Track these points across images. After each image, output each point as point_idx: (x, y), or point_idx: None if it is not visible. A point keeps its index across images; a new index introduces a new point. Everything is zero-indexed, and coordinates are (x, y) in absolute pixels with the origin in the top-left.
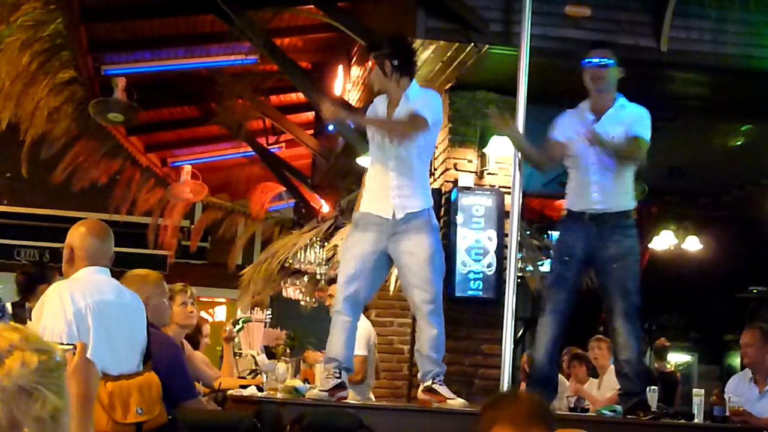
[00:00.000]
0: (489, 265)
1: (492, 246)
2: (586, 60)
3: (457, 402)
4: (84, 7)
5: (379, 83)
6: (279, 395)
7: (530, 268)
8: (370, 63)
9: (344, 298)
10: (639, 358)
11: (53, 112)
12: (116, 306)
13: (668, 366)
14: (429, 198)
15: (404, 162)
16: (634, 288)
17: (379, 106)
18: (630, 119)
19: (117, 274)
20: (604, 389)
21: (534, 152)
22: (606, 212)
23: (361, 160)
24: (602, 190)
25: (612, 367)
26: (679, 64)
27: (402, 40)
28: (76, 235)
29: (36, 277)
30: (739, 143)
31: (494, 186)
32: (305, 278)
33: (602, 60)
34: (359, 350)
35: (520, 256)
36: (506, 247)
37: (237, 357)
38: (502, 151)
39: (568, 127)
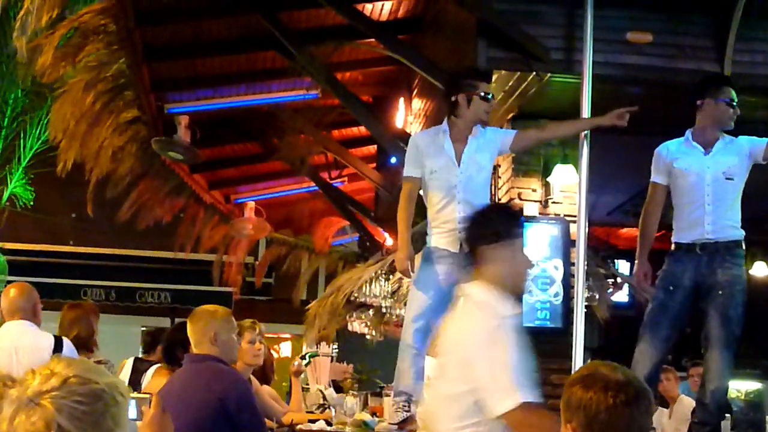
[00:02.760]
0: (556, 295)
1: (558, 275)
2: (729, 99)
3: None
4: (146, 47)
5: (480, 117)
6: (348, 429)
7: (597, 297)
8: (473, 95)
9: (415, 330)
10: (725, 390)
11: (117, 152)
12: (14, 349)
13: None
14: None
15: (471, 197)
16: (736, 317)
17: (441, 141)
18: (744, 145)
19: (183, 312)
20: (675, 419)
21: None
22: (718, 241)
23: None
24: (715, 221)
25: (682, 396)
26: (743, 88)
27: None
28: (1, 298)
29: (157, 337)
30: None
31: (559, 215)
32: (371, 312)
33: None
34: None
35: (586, 285)
36: (573, 276)
37: (304, 392)
38: (566, 179)
39: (678, 158)
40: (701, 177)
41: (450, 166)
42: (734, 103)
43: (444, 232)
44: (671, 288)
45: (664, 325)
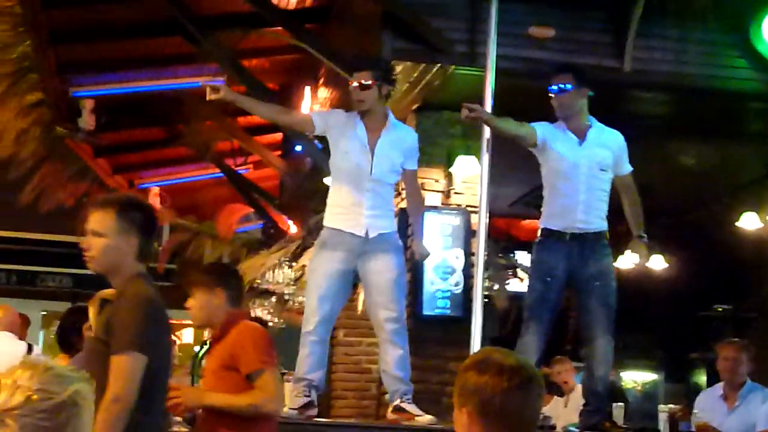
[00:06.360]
0: (456, 284)
1: (459, 265)
2: (549, 87)
3: (425, 418)
4: (52, 30)
5: (370, 104)
6: None
7: (497, 287)
8: (363, 81)
9: (318, 318)
10: (609, 376)
11: (20, 135)
12: None
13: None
14: (395, 221)
15: (381, 186)
16: (613, 305)
17: (354, 125)
18: (614, 146)
19: (84, 297)
20: (571, 408)
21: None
22: (587, 232)
23: (329, 180)
24: (587, 210)
25: (579, 385)
26: (641, 84)
27: (392, 67)
28: None
29: None
30: (694, 162)
31: (461, 205)
32: (273, 299)
33: (558, 85)
34: None
35: (486, 275)
36: (473, 266)
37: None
38: (468, 170)
39: (557, 141)
40: (576, 165)
41: (362, 151)
42: (550, 90)
43: (350, 214)
44: (548, 279)
45: (545, 317)
